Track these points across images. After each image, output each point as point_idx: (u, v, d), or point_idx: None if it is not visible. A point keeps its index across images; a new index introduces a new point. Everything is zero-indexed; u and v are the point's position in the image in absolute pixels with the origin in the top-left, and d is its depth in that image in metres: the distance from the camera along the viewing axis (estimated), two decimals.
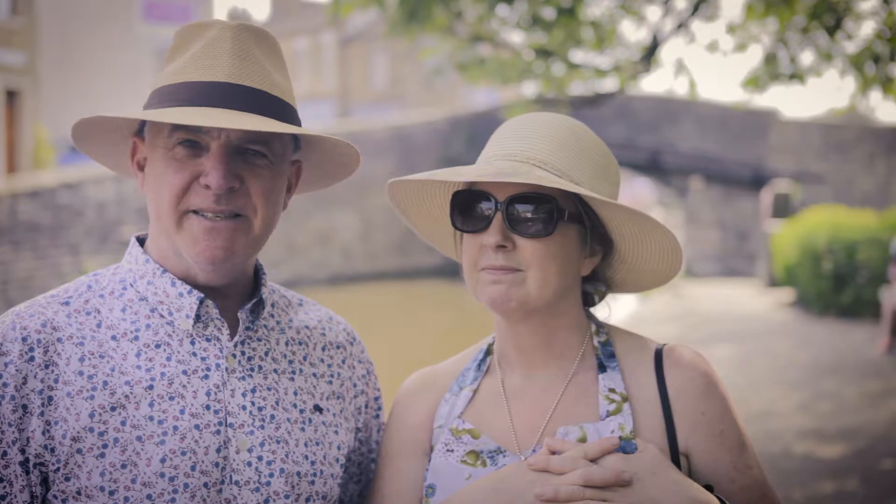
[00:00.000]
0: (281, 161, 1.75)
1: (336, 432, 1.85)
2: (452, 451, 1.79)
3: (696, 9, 9.69)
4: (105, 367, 1.66)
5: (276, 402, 1.76)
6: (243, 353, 1.76)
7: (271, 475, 1.71)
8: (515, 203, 1.72)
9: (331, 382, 1.88)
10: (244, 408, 1.72)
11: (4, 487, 1.59)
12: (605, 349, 1.83)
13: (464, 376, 1.89)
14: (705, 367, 1.79)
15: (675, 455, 1.73)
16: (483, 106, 37.70)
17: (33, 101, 29.48)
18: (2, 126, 27.80)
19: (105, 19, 40.51)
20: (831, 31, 8.99)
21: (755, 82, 9.91)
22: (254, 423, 1.72)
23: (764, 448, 8.11)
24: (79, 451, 1.61)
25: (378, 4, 9.77)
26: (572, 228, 1.76)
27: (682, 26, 9.89)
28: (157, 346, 1.70)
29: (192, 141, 1.67)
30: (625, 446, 1.67)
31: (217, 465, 1.67)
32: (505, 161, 1.74)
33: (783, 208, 22.58)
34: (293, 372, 1.82)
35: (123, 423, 1.63)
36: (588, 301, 1.90)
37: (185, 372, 1.69)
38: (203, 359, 1.72)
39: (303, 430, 1.78)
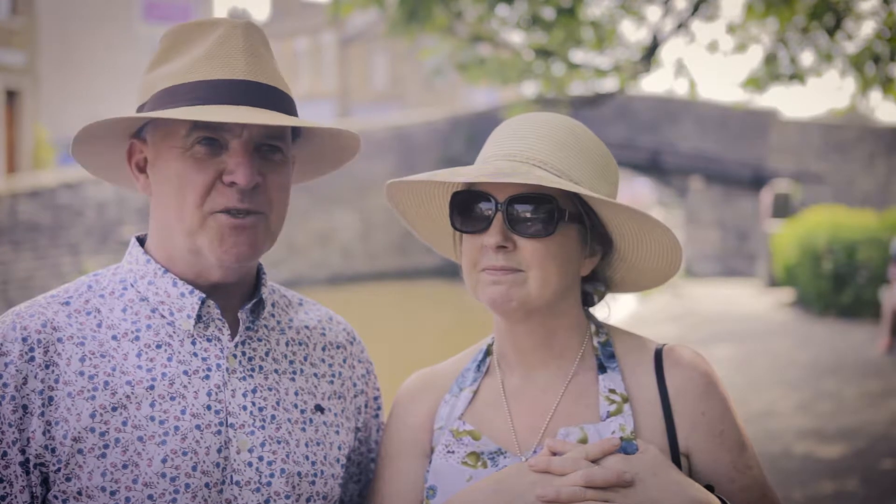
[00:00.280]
0: (290, 156, 1.76)
1: (337, 432, 1.85)
2: (453, 452, 1.78)
3: (696, 9, 9.70)
4: (106, 368, 1.66)
5: (277, 403, 1.76)
6: (244, 354, 1.76)
7: (272, 475, 1.71)
8: (515, 203, 1.72)
9: (332, 382, 1.88)
10: (245, 408, 1.72)
11: (4, 488, 1.59)
12: (605, 349, 1.83)
13: (463, 377, 1.89)
14: (705, 368, 1.79)
15: (676, 455, 1.73)
16: (483, 106, 37.71)
17: (33, 101, 29.49)
18: (2, 126, 27.80)
19: (105, 19, 40.50)
20: (831, 31, 8.99)
21: (755, 82, 9.91)
22: (254, 424, 1.72)
23: (764, 448, 8.11)
24: (80, 451, 1.61)
25: (378, 4, 9.78)
26: (572, 228, 1.76)
27: (682, 26, 9.90)
28: (158, 347, 1.70)
29: (212, 139, 1.66)
30: (626, 447, 1.67)
31: (218, 465, 1.67)
32: (504, 161, 1.74)
33: (783, 208, 22.58)
34: (294, 372, 1.82)
35: (124, 424, 1.63)
36: (587, 301, 1.90)
37: (185, 372, 1.69)
38: (204, 359, 1.72)
39: (303, 430, 1.78)
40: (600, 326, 1.87)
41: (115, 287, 1.75)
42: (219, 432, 1.68)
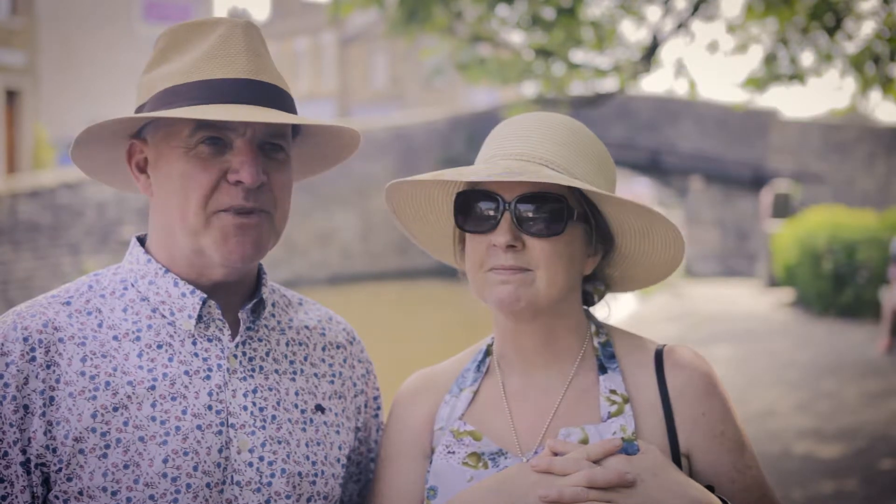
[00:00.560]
0: (290, 154, 1.76)
1: (338, 432, 1.85)
2: (454, 453, 1.78)
3: (696, 9, 9.70)
4: (107, 368, 1.66)
5: (278, 403, 1.76)
6: (244, 354, 1.76)
7: (272, 475, 1.71)
8: (524, 202, 1.72)
9: (332, 382, 1.88)
10: (245, 408, 1.72)
11: (5, 488, 1.59)
12: (606, 350, 1.83)
13: (463, 377, 1.89)
14: (706, 368, 1.79)
15: (676, 456, 1.73)
16: (483, 106, 37.70)
17: (33, 101, 29.49)
18: (2, 126, 27.80)
19: (105, 19, 40.50)
20: (831, 31, 8.99)
21: (755, 82, 9.91)
22: (255, 424, 1.72)
23: (764, 448, 8.11)
24: (81, 451, 1.61)
25: (378, 4, 9.78)
26: (579, 227, 1.77)
27: (682, 26, 9.90)
28: (159, 347, 1.70)
29: (216, 138, 1.66)
30: (627, 448, 1.67)
31: (219, 465, 1.67)
32: (512, 161, 1.74)
33: (783, 208, 22.58)
34: (294, 372, 1.82)
35: (126, 424, 1.63)
36: (587, 301, 1.90)
37: (186, 372, 1.69)
38: (205, 359, 1.72)
39: (304, 430, 1.78)
40: (600, 327, 1.87)
41: (116, 287, 1.75)
42: (220, 432, 1.68)
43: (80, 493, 1.61)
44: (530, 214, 1.72)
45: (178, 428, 1.65)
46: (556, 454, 1.67)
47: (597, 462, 1.64)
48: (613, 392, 1.77)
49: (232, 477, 1.68)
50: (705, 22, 10.37)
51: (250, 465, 1.70)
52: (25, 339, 1.63)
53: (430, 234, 1.96)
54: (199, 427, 1.67)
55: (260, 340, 1.80)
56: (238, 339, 1.75)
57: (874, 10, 9.00)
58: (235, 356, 1.74)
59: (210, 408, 1.69)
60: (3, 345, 1.62)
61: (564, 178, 1.69)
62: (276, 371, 1.79)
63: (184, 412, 1.67)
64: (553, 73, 10.79)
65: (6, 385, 1.60)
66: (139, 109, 1.73)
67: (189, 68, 1.68)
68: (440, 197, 1.88)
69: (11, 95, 28.45)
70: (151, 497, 1.61)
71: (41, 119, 30.82)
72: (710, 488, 1.70)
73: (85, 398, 1.63)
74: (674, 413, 1.75)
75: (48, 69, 36.23)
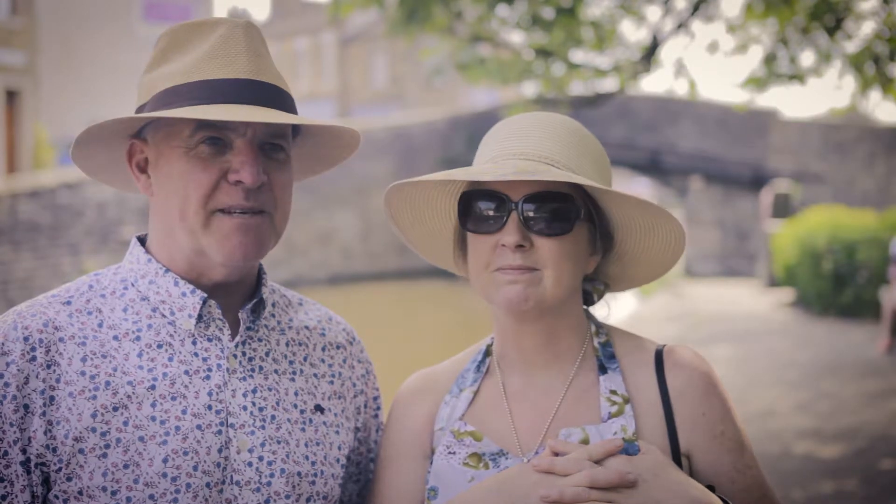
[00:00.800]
0: (291, 154, 1.76)
1: (337, 432, 1.85)
2: (454, 453, 1.78)
3: (696, 9, 9.70)
4: (107, 367, 1.66)
5: (277, 403, 1.76)
6: (244, 354, 1.76)
7: (272, 475, 1.71)
8: (531, 202, 1.72)
9: (332, 382, 1.88)
10: (245, 408, 1.72)
11: (5, 487, 1.59)
12: (606, 350, 1.83)
13: (463, 378, 1.89)
14: (706, 368, 1.79)
15: (677, 456, 1.73)
16: (483, 106, 37.71)
17: (33, 101, 29.49)
18: (2, 126, 27.81)
19: (105, 19, 40.49)
20: (831, 31, 8.99)
21: (755, 82, 9.91)
22: (254, 424, 1.72)
23: (763, 448, 8.11)
24: (81, 451, 1.61)
25: (378, 4, 9.79)
26: (584, 226, 1.77)
27: (682, 26, 9.90)
28: (159, 347, 1.70)
29: (216, 138, 1.66)
30: (627, 448, 1.67)
31: (219, 465, 1.67)
32: (519, 160, 1.73)
33: (783, 208, 22.59)
34: (294, 372, 1.82)
35: (126, 424, 1.63)
36: (587, 300, 1.90)
37: (186, 372, 1.70)
38: (205, 359, 1.72)
39: (303, 430, 1.78)
40: (600, 326, 1.87)
41: (116, 287, 1.75)
42: (219, 432, 1.68)
43: (80, 492, 1.61)
44: (538, 214, 1.72)
45: (177, 428, 1.65)
46: (556, 454, 1.66)
47: (598, 462, 1.64)
48: (614, 392, 1.77)
49: (231, 477, 1.68)
50: (705, 22, 10.37)
51: (250, 464, 1.70)
52: (26, 339, 1.63)
53: (427, 239, 1.96)
54: (198, 427, 1.67)
55: (260, 340, 1.80)
56: (238, 338, 1.75)
57: (874, 10, 9.00)
58: (235, 356, 1.74)
59: (210, 407, 1.69)
60: (3, 344, 1.62)
61: (580, 177, 1.69)
62: (276, 371, 1.79)
63: (184, 412, 1.67)
64: (553, 73, 10.79)
65: (6, 384, 1.60)
66: (139, 109, 1.73)
67: (189, 68, 1.68)
68: (439, 199, 1.87)
69: (11, 95, 28.46)
70: (151, 497, 1.61)
71: (41, 119, 30.82)
72: (711, 488, 1.70)
73: (85, 398, 1.63)
74: (674, 413, 1.75)
75: (48, 69, 36.23)
